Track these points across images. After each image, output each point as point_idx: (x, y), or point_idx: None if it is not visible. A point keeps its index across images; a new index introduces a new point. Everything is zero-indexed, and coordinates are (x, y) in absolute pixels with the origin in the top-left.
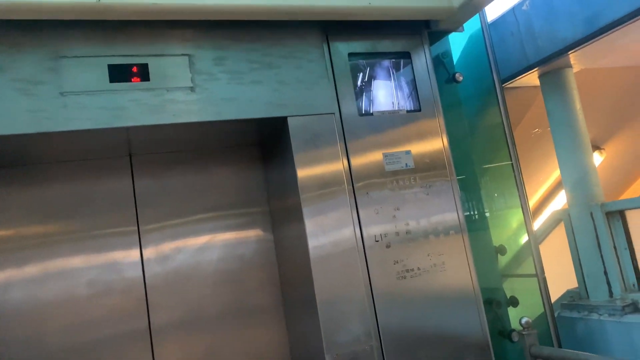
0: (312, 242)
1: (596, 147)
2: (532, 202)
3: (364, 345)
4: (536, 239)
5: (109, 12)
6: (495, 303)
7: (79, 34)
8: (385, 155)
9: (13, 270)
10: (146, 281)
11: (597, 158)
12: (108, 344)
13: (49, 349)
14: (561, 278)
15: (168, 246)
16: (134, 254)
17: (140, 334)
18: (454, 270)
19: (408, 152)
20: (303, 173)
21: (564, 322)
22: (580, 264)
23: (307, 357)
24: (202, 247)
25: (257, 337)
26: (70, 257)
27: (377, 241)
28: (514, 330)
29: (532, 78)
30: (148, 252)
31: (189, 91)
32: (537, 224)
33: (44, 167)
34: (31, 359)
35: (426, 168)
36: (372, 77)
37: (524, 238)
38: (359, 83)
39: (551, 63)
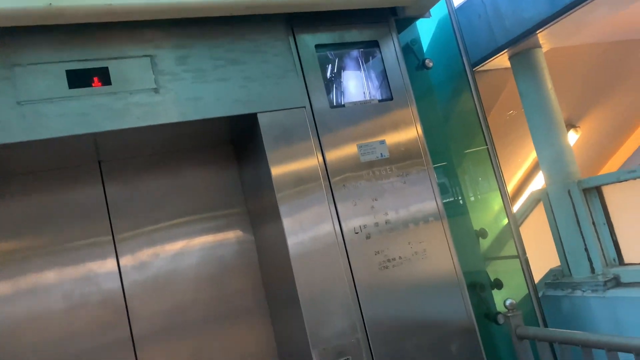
0: (291, 240)
1: (571, 125)
2: (512, 184)
3: (350, 338)
4: (516, 221)
5: (63, 16)
6: (479, 286)
7: (32, 40)
8: (359, 147)
9: None
10: (125, 290)
11: (573, 136)
12: (90, 356)
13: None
14: (544, 257)
15: (145, 253)
16: (111, 263)
17: (122, 343)
18: (435, 256)
19: (382, 142)
20: (277, 171)
21: (549, 301)
22: (562, 242)
23: (294, 354)
24: (181, 252)
25: (243, 337)
26: (43, 271)
27: (357, 233)
28: (499, 312)
29: (502, 60)
30: (125, 261)
31: (152, 93)
32: (517, 206)
33: (9, 179)
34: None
35: (402, 157)
36: (341, 68)
37: (505, 220)
38: (328, 75)
39: (520, 44)
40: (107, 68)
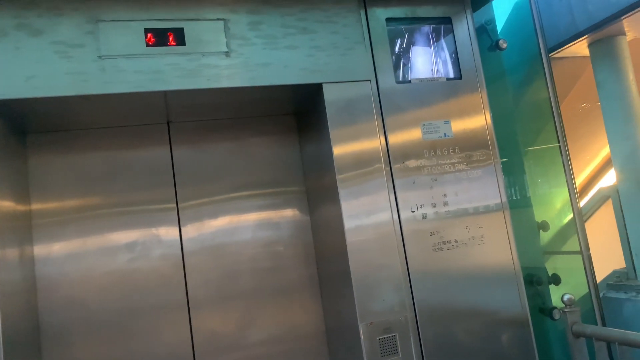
0: (348, 222)
1: None
2: (578, 181)
3: (398, 315)
4: (581, 215)
5: None
6: (535, 279)
7: None
8: (423, 125)
9: (55, 242)
10: (184, 254)
11: None
12: (148, 313)
13: (91, 309)
14: (607, 258)
15: (206, 223)
16: (173, 229)
17: (178, 304)
18: (493, 244)
19: (447, 122)
20: (338, 136)
21: (609, 303)
22: (629, 243)
23: (342, 328)
24: (239, 224)
25: (293, 309)
26: (110, 227)
27: (413, 212)
28: (555, 307)
29: (580, 47)
30: (186, 228)
31: (223, 56)
32: (583, 202)
33: (84, 132)
34: (75, 318)
35: (466, 138)
36: (410, 44)
37: (569, 216)
38: (396, 49)
39: (602, 30)
40: (182, 29)
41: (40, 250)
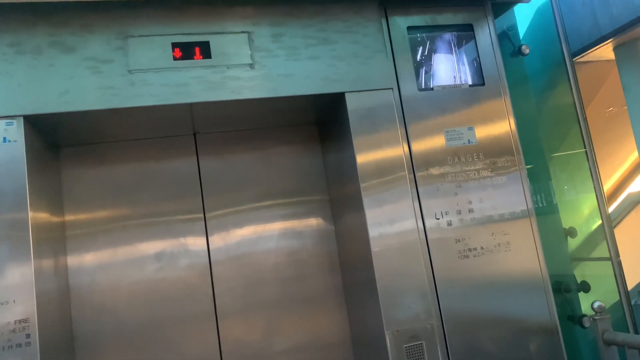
0: (373, 230)
1: None
2: (606, 187)
3: (424, 323)
4: (610, 222)
5: None
6: (564, 287)
7: (144, 14)
8: (446, 132)
9: (87, 252)
10: (212, 264)
11: None
12: (177, 322)
13: (122, 318)
14: (638, 264)
15: (231, 232)
16: (200, 238)
17: (207, 313)
18: (519, 251)
19: (471, 128)
20: (361, 144)
21: None
22: None
23: (368, 337)
24: (264, 233)
25: (318, 318)
26: (139, 238)
27: (438, 219)
28: (585, 315)
29: (605, 51)
30: (213, 238)
31: (248, 68)
32: (612, 208)
33: (114, 145)
34: (106, 327)
35: (490, 145)
36: (432, 51)
37: (597, 222)
38: (418, 57)
39: (628, 32)
40: (208, 42)
41: (73, 260)
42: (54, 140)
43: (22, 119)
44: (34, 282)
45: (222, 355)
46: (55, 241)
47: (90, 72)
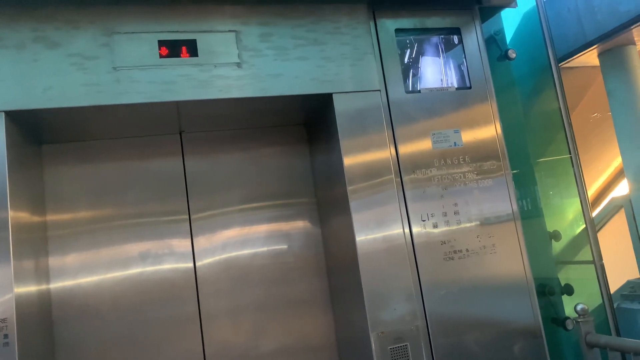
0: (357, 223)
1: None
2: (590, 192)
3: (409, 325)
4: (594, 225)
5: None
6: (548, 289)
7: (131, 10)
8: (433, 134)
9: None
10: (196, 266)
11: None
12: (160, 324)
13: (105, 320)
14: (621, 268)
15: (217, 234)
16: (185, 240)
17: (190, 316)
18: (505, 253)
19: (457, 131)
20: (348, 147)
21: (623, 314)
22: None
23: (352, 337)
24: (250, 236)
25: (303, 320)
26: (123, 239)
27: (424, 221)
28: (568, 317)
29: (590, 57)
30: (198, 239)
31: (235, 67)
32: (595, 213)
33: (98, 143)
34: (88, 329)
35: (476, 148)
36: (419, 54)
37: (581, 226)
38: (406, 60)
39: (612, 39)
40: (195, 40)
41: (55, 261)
42: (37, 137)
43: (2, 114)
44: (13, 283)
45: (206, 357)
46: (36, 242)
47: (75, 69)
